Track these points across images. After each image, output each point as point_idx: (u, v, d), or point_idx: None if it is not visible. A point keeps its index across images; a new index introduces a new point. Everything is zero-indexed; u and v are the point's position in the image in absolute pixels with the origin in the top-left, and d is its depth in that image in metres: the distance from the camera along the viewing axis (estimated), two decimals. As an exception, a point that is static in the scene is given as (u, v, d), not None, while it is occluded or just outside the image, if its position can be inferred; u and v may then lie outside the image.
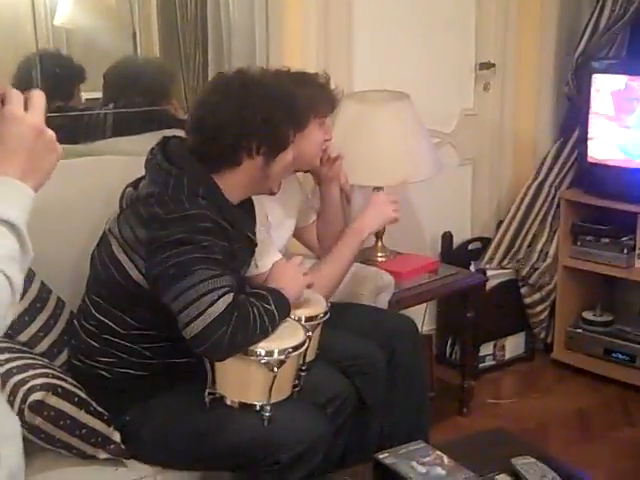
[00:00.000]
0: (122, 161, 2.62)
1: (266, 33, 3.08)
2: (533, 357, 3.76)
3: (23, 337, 2.14)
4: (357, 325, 2.49)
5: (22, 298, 2.15)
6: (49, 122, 1.25)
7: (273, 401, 1.97)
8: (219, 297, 1.88)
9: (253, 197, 2.23)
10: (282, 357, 1.94)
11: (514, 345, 3.73)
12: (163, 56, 3.35)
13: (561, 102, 3.75)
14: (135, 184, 2.09)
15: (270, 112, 2.02)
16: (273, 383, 1.94)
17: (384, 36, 3.38)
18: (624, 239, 3.46)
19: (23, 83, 2.92)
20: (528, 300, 3.66)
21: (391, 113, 3.02)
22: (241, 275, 2.14)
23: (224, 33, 3.15)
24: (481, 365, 3.61)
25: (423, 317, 3.52)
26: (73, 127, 3.01)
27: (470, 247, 3.75)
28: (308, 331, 2.09)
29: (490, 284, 3.58)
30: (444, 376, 3.48)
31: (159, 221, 1.93)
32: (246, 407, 1.97)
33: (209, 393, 2.00)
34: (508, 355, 3.71)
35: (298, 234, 2.73)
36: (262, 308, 1.95)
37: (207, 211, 1.96)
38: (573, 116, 3.64)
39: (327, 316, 2.17)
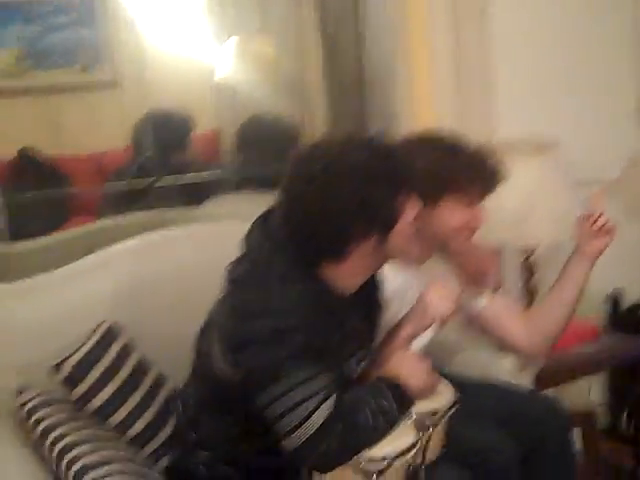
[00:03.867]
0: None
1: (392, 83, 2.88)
2: None
3: (114, 420, 1.99)
4: (491, 411, 2.13)
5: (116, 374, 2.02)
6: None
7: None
8: (318, 405, 1.64)
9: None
10: (383, 464, 1.66)
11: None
12: (327, 106, 3.31)
13: None
14: (238, 261, 1.85)
15: (364, 190, 1.69)
16: (371, 493, 1.66)
17: (532, 73, 3.04)
18: None
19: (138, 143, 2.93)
20: None
21: (533, 168, 2.69)
22: (347, 370, 1.84)
23: (384, 81, 3.02)
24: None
25: (589, 387, 3.12)
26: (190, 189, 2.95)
27: (644, 309, 3.30)
28: (428, 428, 1.79)
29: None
30: (616, 456, 3.04)
31: (243, 312, 1.70)
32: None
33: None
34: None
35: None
36: (377, 407, 1.70)
37: (296, 304, 1.70)
38: None
39: (454, 409, 1.86)
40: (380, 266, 1.89)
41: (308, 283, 1.74)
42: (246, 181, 3.06)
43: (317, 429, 1.63)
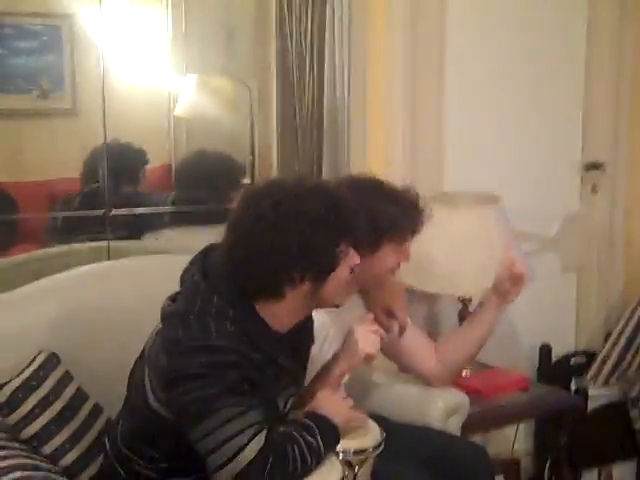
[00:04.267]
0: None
1: (347, 130, 2.97)
2: (646, 489, 3.36)
3: (47, 449, 2.02)
4: (417, 453, 2.22)
5: (52, 404, 2.06)
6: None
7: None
8: (249, 440, 1.70)
9: None
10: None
11: (623, 474, 3.35)
12: (281, 146, 3.38)
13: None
14: (175, 297, 1.92)
15: (308, 235, 1.76)
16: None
17: (479, 131, 3.19)
18: None
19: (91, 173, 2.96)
20: (639, 425, 3.29)
21: (475, 218, 2.81)
22: (278, 405, 1.92)
23: (339, 128, 3.09)
24: (585, 494, 3.26)
25: (514, 436, 3.22)
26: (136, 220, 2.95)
27: (573, 361, 3.42)
28: (354, 467, 1.88)
29: (594, 404, 3.25)
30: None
31: (179, 347, 1.75)
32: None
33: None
34: (616, 484, 3.34)
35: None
36: (304, 443, 1.77)
37: (233, 341, 1.75)
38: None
39: (380, 449, 1.94)
40: (313, 309, 1.97)
41: (244, 321, 1.80)
42: (189, 216, 3.11)
43: (247, 464, 1.68)
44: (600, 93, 3.43)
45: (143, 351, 1.94)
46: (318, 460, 1.78)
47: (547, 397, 2.88)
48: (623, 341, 3.38)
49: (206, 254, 1.91)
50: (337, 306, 2.00)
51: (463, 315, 2.97)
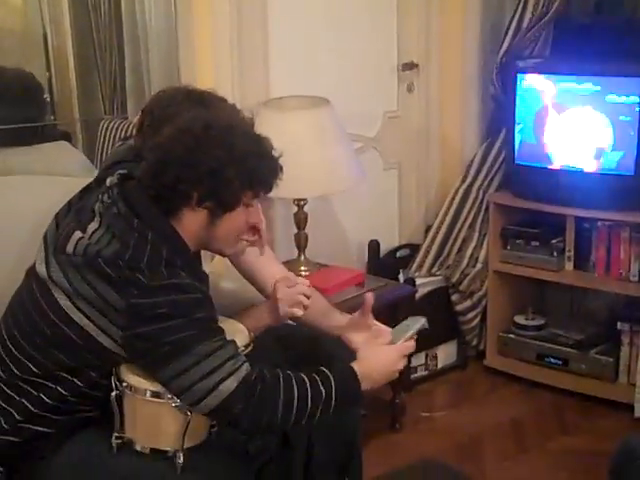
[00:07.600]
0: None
1: (175, 36, 2.93)
2: (466, 365, 3.66)
3: None
4: (285, 350, 2.29)
5: None
6: None
7: (187, 446, 1.81)
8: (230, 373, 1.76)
9: None
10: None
11: (446, 354, 3.63)
12: (78, 59, 3.22)
13: (487, 102, 3.64)
14: (81, 225, 1.82)
15: (224, 164, 1.77)
16: (187, 427, 1.79)
17: (301, 38, 3.24)
18: (554, 241, 3.39)
19: None
20: (459, 307, 3.56)
21: (308, 121, 2.88)
22: None
23: (141, 38, 3.05)
24: (413, 376, 3.49)
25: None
26: None
27: (398, 254, 3.62)
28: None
29: (420, 292, 3.47)
30: (376, 391, 3.33)
31: (139, 287, 1.73)
32: (158, 453, 1.81)
33: (117, 437, 1.83)
34: (440, 364, 3.60)
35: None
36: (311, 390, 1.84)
37: (193, 281, 1.78)
38: (499, 117, 3.55)
39: (249, 349, 1.99)
40: (204, 246, 1.94)
41: (190, 265, 1.82)
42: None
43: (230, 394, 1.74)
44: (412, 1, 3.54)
45: (36, 279, 1.84)
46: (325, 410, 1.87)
47: (383, 289, 3.04)
48: (442, 233, 3.62)
49: (122, 187, 1.86)
50: (224, 255, 2.01)
51: (299, 217, 3.07)
